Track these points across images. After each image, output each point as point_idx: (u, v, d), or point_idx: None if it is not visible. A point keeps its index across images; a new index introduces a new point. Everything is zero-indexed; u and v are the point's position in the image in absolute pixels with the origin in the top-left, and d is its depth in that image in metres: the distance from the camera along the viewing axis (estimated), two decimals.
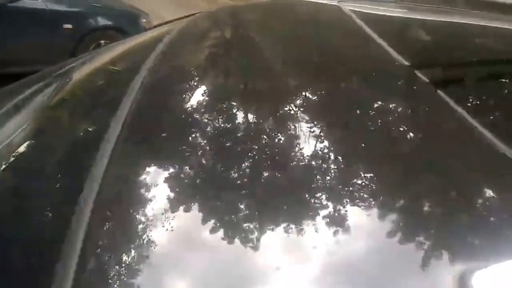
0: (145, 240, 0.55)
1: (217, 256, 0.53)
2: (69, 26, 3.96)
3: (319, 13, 1.40)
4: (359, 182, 0.60)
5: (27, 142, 0.89)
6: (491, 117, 0.81)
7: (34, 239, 0.60)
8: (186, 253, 0.55)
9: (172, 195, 0.63)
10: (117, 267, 0.52)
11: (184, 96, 0.90)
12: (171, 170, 0.68)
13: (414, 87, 0.87)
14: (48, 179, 0.73)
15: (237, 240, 0.54)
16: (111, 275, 0.51)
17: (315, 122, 0.76)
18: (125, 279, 0.50)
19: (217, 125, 0.77)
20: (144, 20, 4.50)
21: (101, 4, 4.48)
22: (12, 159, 0.82)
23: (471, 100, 0.85)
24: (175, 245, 0.56)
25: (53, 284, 0.49)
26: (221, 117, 0.80)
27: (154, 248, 0.54)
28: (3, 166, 0.80)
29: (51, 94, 1.07)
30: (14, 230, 0.63)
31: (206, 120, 0.79)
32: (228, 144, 0.74)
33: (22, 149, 0.86)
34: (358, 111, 0.80)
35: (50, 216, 0.66)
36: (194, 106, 0.84)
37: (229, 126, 0.77)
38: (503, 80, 0.94)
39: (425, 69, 0.87)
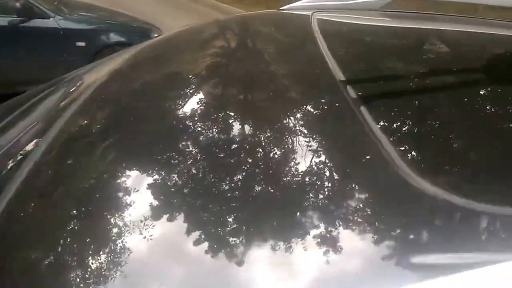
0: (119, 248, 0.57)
1: (199, 267, 0.55)
2: (82, 43, 3.93)
3: (283, 25, 1.44)
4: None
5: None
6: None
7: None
8: (167, 264, 0.56)
9: (155, 203, 0.65)
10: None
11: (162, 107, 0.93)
12: (154, 178, 0.70)
13: (337, 104, 0.87)
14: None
15: (221, 252, 0.56)
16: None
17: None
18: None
19: (206, 132, 0.81)
20: (156, 35, 4.45)
21: (113, 21, 4.45)
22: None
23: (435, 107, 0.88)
24: (157, 255, 0.58)
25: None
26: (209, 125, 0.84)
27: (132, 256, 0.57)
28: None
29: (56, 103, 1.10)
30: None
31: (196, 128, 0.83)
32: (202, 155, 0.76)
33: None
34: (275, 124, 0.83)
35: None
36: (178, 117, 0.89)
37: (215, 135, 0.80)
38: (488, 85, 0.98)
39: (352, 85, 0.88)
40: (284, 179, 0.68)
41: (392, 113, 0.86)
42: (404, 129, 0.81)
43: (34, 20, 3.72)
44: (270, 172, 0.70)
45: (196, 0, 8.22)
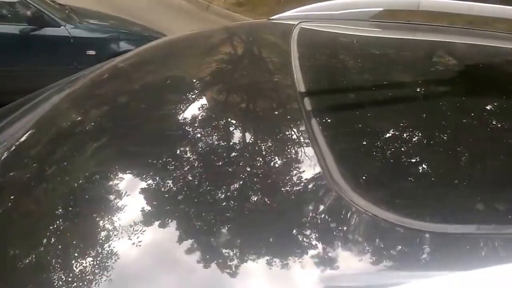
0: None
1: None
2: (92, 52, 3.92)
3: (264, 36, 1.46)
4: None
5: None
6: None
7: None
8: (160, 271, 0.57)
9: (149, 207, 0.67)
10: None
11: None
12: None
13: (288, 116, 0.88)
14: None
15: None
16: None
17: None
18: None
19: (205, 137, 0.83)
20: None
21: (124, 29, 4.45)
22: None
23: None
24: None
25: None
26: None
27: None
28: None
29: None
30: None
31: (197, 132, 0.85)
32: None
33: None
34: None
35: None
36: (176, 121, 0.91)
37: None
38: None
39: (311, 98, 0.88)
40: (269, 182, 0.71)
41: (355, 127, 0.87)
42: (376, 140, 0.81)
43: (45, 29, 3.73)
44: (256, 174, 0.73)
45: (207, 9, 8.24)
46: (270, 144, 0.81)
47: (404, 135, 0.85)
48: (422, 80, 1.04)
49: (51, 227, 0.67)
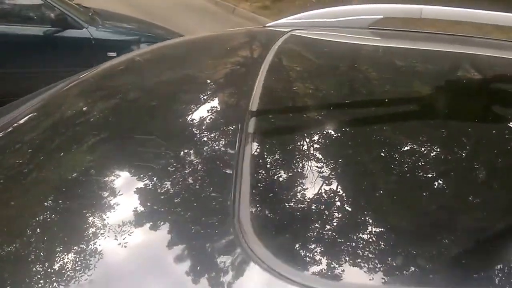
0: None
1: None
2: (113, 54, 3.99)
3: (252, 43, 1.44)
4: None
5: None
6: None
7: None
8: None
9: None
10: None
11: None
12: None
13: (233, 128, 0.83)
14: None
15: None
16: None
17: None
18: None
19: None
20: None
21: (147, 32, 4.52)
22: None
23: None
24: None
25: None
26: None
27: None
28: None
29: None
30: None
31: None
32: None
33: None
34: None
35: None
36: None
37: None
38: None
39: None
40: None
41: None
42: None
43: (67, 31, 3.82)
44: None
45: (233, 12, 8.28)
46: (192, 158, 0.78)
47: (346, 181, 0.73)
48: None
49: (50, 222, 0.67)
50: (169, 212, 0.65)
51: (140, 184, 0.71)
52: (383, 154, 0.78)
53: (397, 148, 0.82)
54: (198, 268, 0.55)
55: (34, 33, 3.78)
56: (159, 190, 0.69)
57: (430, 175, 0.74)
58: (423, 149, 0.81)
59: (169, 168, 0.75)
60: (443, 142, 0.83)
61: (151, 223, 0.63)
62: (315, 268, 0.54)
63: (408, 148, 0.81)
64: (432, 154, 0.79)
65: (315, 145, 0.80)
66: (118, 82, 1.25)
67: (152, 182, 0.71)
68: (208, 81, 1.12)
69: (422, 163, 0.76)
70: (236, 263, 0.54)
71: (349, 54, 1.32)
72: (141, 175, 0.74)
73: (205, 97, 1.01)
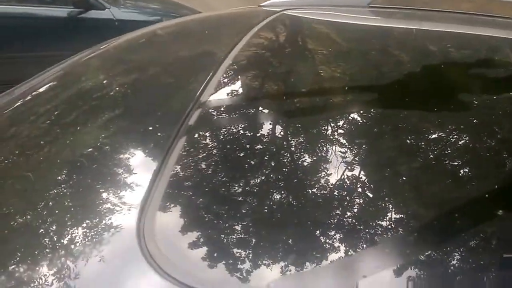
0: None
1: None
2: None
3: (242, 22, 1.37)
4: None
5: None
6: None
7: None
8: None
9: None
10: None
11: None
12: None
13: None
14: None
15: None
16: None
17: None
18: None
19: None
20: None
21: (170, 13, 4.43)
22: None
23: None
24: None
25: None
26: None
27: None
28: None
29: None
30: None
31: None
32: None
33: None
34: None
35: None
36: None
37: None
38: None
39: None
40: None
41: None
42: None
43: (90, 12, 3.77)
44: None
45: None
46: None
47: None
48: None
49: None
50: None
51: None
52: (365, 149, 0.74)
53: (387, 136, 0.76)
54: (95, 270, 0.53)
55: (57, 14, 3.75)
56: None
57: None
58: (413, 136, 0.74)
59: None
60: (443, 129, 0.75)
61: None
62: (218, 274, 0.52)
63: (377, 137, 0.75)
64: (424, 144, 0.72)
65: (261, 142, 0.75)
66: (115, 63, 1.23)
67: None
68: (177, 63, 1.10)
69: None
70: (133, 269, 0.52)
71: (341, 33, 1.22)
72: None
73: (167, 79, 1.02)
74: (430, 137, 0.73)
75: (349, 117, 0.80)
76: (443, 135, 0.74)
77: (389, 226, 0.55)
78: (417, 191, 0.62)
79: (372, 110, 0.82)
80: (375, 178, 0.67)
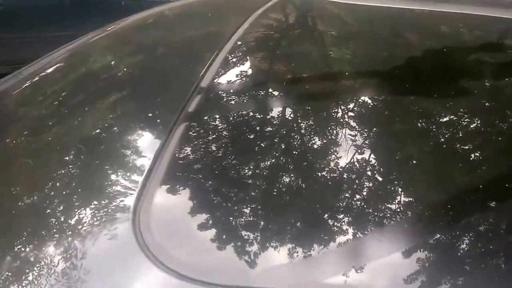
0: None
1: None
2: None
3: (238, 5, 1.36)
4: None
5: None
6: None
7: None
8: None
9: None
10: None
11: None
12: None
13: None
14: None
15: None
16: None
17: None
18: None
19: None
20: None
21: None
22: None
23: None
24: None
25: None
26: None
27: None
28: None
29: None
30: None
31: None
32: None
33: None
34: None
35: None
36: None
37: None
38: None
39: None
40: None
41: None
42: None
43: None
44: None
45: None
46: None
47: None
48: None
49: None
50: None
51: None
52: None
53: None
54: (93, 265, 0.52)
55: None
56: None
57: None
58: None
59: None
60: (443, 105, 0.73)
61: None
62: (215, 267, 0.50)
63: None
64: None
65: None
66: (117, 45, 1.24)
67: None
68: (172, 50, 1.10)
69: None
70: (131, 263, 0.50)
71: (350, 14, 1.19)
72: None
73: (173, 60, 1.01)
74: (443, 120, 0.71)
75: (356, 100, 0.79)
76: (457, 118, 0.72)
77: (398, 210, 0.54)
78: (429, 175, 0.61)
79: (381, 92, 0.80)
80: (385, 162, 0.65)
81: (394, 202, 0.56)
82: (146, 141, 0.74)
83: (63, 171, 0.68)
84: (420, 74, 0.86)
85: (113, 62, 1.10)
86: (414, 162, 0.64)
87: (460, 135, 0.68)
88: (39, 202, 0.63)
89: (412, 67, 0.87)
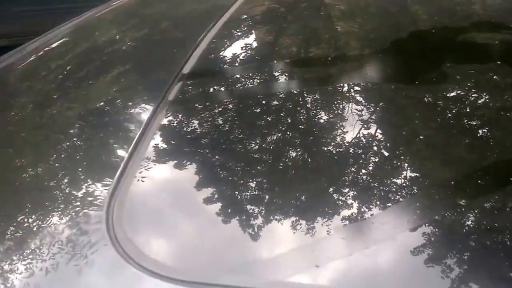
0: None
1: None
2: None
3: None
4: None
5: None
6: None
7: None
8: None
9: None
10: None
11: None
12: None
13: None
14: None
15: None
16: None
17: None
18: None
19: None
20: None
21: None
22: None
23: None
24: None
25: None
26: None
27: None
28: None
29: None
30: None
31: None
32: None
33: None
34: None
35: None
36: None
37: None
38: None
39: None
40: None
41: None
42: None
43: None
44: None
45: None
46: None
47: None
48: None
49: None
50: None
51: None
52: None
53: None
54: (65, 262, 0.50)
55: None
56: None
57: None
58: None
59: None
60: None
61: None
62: (186, 264, 0.49)
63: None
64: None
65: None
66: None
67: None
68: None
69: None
70: (102, 259, 0.49)
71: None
72: None
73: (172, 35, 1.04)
74: (451, 95, 0.70)
75: (360, 76, 0.77)
76: (466, 94, 0.70)
77: (403, 186, 0.53)
78: (435, 150, 0.60)
79: (385, 68, 0.79)
80: (390, 136, 0.64)
81: (399, 178, 0.54)
82: (122, 134, 0.71)
83: (36, 163, 0.66)
84: (427, 49, 0.84)
85: (118, 37, 1.12)
86: (421, 137, 0.62)
87: (468, 110, 0.66)
88: (8, 196, 0.62)
89: (417, 41, 0.86)
